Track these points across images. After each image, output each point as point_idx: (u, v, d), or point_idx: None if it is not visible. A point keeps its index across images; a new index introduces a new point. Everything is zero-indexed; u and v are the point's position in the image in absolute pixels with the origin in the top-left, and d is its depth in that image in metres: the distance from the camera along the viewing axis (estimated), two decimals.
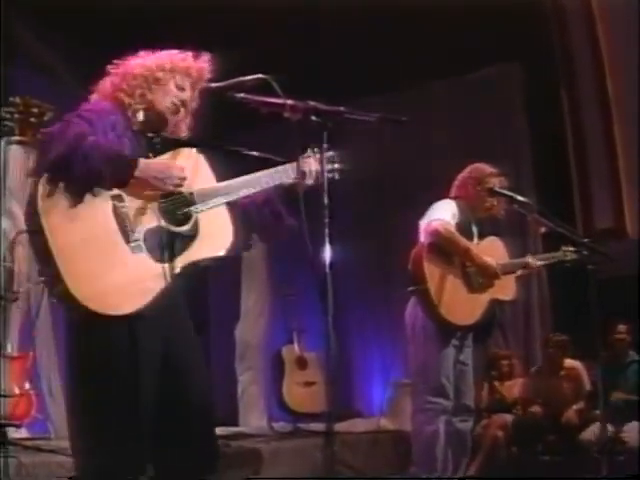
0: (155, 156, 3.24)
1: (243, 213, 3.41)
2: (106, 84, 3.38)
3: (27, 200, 3.01)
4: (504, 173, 5.64)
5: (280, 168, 3.36)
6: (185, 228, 3.17)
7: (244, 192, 3.32)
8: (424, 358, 5.28)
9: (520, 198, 5.40)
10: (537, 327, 9.01)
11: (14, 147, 7.18)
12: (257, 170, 3.42)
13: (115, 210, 3.04)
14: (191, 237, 3.17)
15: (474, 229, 5.47)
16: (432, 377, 5.22)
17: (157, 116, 3.35)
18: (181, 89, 3.39)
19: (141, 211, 3.10)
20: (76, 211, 2.97)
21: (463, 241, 5.29)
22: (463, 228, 5.36)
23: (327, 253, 2.92)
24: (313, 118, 3.08)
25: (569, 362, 7.70)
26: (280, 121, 3.06)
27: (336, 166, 3.54)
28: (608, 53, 8.57)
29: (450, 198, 5.52)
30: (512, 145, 9.32)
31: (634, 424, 6.87)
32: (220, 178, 3.37)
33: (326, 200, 3.01)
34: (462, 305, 5.29)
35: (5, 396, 5.86)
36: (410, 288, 5.34)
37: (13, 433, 6.16)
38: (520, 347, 8.92)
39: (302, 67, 6.57)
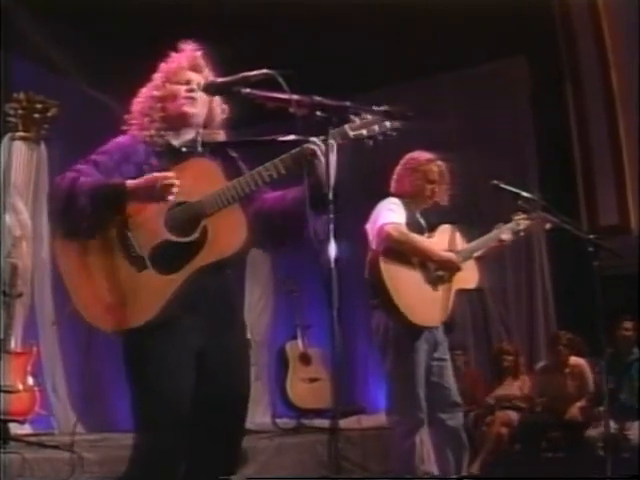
0: None
1: (264, 213, 3.38)
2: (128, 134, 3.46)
3: None
4: (441, 157, 5.41)
5: (283, 157, 3.23)
6: (193, 236, 3.17)
7: (251, 188, 3.23)
8: (398, 368, 5.13)
9: (525, 194, 5.32)
10: (541, 323, 9.02)
11: (18, 143, 7.19)
12: None
13: (119, 233, 3.18)
14: (200, 244, 3.17)
15: (422, 222, 5.30)
16: (407, 388, 5.08)
17: (179, 119, 3.39)
18: (186, 83, 3.40)
19: (146, 228, 3.17)
20: (82, 245, 3.20)
21: (419, 241, 5.15)
22: (412, 225, 5.19)
23: (332, 248, 2.91)
24: (319, 113, 3.06)
25: (573, 359, 7.70)
26: (286, 116, 3.05)
27: (388, 125, 3.24)
28: (613, 48, 8.56)
29: (392, 195, 5.34)
30: (516, 140, 9.33)
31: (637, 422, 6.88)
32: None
33: (331, 195, 3.00)
34: (430, 306, 5.15)
35: (8, 392, 5.86)
36: (372, 301, 5.19)
37: (16, 429, 6.17)
38: (524, 343, 8.92)
39: (307, 62, 6.54)
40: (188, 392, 3.15)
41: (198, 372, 3.19)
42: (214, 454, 3.25)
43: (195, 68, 3.43)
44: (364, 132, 3.23)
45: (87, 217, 3.10)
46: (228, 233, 3.21)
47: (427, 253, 5.16)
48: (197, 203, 3.19)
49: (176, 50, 3.47)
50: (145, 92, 3.44)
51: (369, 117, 3.24)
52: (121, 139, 3.38)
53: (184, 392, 3.14)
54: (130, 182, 3.12)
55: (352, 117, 3.23)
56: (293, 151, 3.22)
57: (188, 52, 3.45)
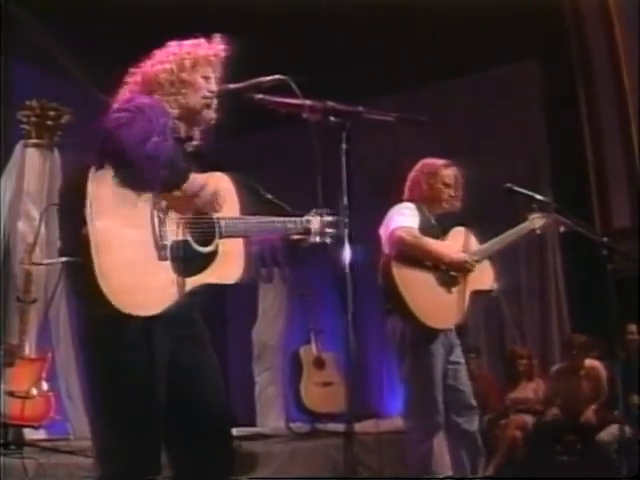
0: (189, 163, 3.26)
1: (258, 252, 3.49)
2: (127, 93, 3.35)
3: (70, 175, 3.05)
4: (455, 163, 5.44)
5: (296, 220, 3.48)
6: (207, 249, 3.18)
7: (261, 233, 3.39)
8: (415, 372, 5.14)
9: (538, 197, 5.32)
10: (554, 326, 8.99)
11: (31, 150, 7.22)
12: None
13: (152, 215, 3.05)
14: (210, 259, 3.18)
15: (436, 227, 5.31)
16: (425, 392, 5.10)
17: (193, 115, 3.35)
18: (207, 79, 3.36)
19: (174, 222, 3.13)
20: (120, 205, 2.96)
21: (430, 244, 5.15)
22: (426, 228, 5.21)
23: (347, 253, 2.92)
24: (332, 119, 3.07)
25: (589, 362, 7.68)
26: (298, 121, 3.06)
27: (332, 231, 3.54)
28: (625, 51, 8.54)
29: (405, 200, 5.36)
30: (529, 144, 9.32)
31: None
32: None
33: (345, 200, 3.01)
34: (444, 308, 5.17)
35: (23, 397, 5.89)
36: (387, 306, 5.20)
37: (31, 434, 6.19)
38: (538, 346, 8.90)
39: (320, 67, 6.56)
40: (157, 398, 3.07)
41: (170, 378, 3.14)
42: (198, 457, 3.20)
43: (214, 66, 3.40)
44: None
45: (145, 180, 2.96)
46: (232, 262, 3.27)
47: (439, 256, 5.15)
48: (217, 222, 3.21)
49: (208, 38, 3.41)
50: (172, 66, 3.31)
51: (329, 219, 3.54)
52: (150, 101, 3.18)
53: (162, 395, 3.08)
54: (193, 176, 3.08)
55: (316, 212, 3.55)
56: (303, 225, 3.52)
57: (218, 47, 3.40)
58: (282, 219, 3.46)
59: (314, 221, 3.52)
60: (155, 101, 3.22)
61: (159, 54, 3.39)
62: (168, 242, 3.07)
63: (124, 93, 3.34)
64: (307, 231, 3.50)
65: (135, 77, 3.37)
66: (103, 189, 2.92)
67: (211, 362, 3.33)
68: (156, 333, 3.03)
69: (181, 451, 3.19)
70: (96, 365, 3.11)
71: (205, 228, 3.19)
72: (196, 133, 3.42)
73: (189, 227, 3.16)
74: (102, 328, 3.02)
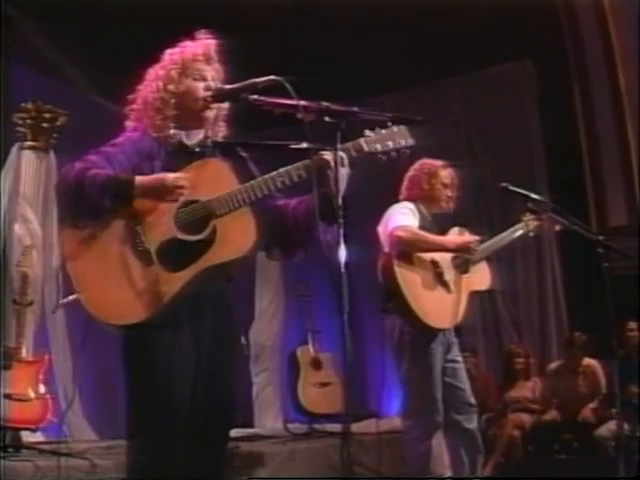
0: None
1: (274, 218, 3.38)
2: (129, 123, 3.41)
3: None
4: (453, 164, 5.48)
5: (297, 165, 3.23)
6: (201, 236, 3.16)
7: (263, 193, 3.22)
8: (414, 372, 5.15)
9: (534, 196, 5.32)
10: (552, 325, 8.99)
11: (27, 152, 7.21)
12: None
13: (128, 226, 3.14)
14: (208, 243, 3.16)
15: (434, 226, 5.33)
16: (424, 391, 5.11)
17: (196, 115, 3.35)
18: (202, 78, 3.35)
19: (156, 224, 3.15)
20: (89, 234, 3.14)
21: (429, 236, 5.17)
22: (425, 228, 5.22)
23: (342, 253, 2.91)
24: (326, 119, 3.06)
25: (586, 360, 7.69)
26: (293, 122, 3.05)
27: (403, 143, 3.27)
28: (620, 49, 8.54)
29: (404, 200, 5.38)
30: (525, 142, 9.32)
31: None
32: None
33: (340, 200, 3.00)
34: (444, 308, 5.19)
35: (20, 400, 5.88)
36: (387, 305, 5.20)
37: (29, 437, 6.18)
38: (535, 345, 8.90)
39: (315, 67, 6.55)
40: (185, 395, 3.12)
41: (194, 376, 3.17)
42: (199, 462, 3.21)
43: (208, 59, 3.38)
44: (379, 147, 3.24)
45: (94, 207, 3.06)
46: (237, 235, 3.19)
47: (442, 242, 5.20)
48: (207, 203, 3.18)
49: (191, 38, 3.41)
50: (158, 83, 3.34)
51: (384, 132, 3.25)
52: (132, 134, 3.32)
53: (180, 395, 3.11)
54: (139, 179, 3.09)
55: (367, 131, 3.24)
56: (307, 160, 3.20)
57: (203, 41, 3.40)
58: (283, 169, 3.23)
59: (327, 154, 3.16)
60: (134, 135, 3.32)
61: (150, 72, 3.42)
62: (152, 247, 3.12)
63: (128, 122, 3.42)
64: (322, 166, 3.16)
65: (132, 106, 3.42)
66: (69, 231, 3.19)
67: (227, 361, 3.33)
68: (168, 335, 3.10)
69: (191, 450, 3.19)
70: (128, 372, 3.19)
71: (195, 215, 3.18)
72: (213, 129, 3.43)
73: (177, 220, 3.16)
74: (127, 341, 3.18)
